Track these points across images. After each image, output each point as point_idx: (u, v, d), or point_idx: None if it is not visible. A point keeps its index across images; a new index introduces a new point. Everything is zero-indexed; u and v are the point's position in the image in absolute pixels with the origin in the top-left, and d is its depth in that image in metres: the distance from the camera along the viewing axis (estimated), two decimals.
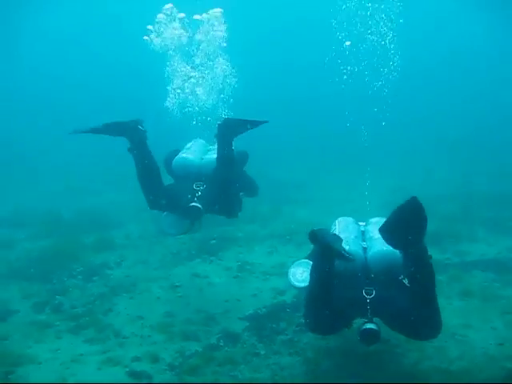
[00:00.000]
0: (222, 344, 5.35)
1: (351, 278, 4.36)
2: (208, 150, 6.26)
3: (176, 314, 6.08)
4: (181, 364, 5.00)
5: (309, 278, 4.41)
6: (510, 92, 20.19)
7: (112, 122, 5.49)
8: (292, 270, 4.88)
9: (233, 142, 5.67)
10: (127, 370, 4.89)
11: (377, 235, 4.43)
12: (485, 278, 6.64)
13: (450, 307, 5.80)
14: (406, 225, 3.81)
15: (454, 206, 10.15)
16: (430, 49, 22.70)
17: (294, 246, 8.63)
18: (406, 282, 4.19)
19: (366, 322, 4.15)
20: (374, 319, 4.20)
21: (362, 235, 4.91)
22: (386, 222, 3.95)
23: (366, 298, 4.17)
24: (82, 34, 23.65)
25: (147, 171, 5.59)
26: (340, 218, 5.13)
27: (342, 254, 4.14)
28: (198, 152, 6.09)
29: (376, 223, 4.82)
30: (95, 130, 5.47)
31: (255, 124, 5.60)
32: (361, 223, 5.18)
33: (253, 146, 6.70)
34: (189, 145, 6.27)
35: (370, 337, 4.14)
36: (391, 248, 4.15)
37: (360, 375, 4.58)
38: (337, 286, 4.24)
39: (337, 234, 4.61)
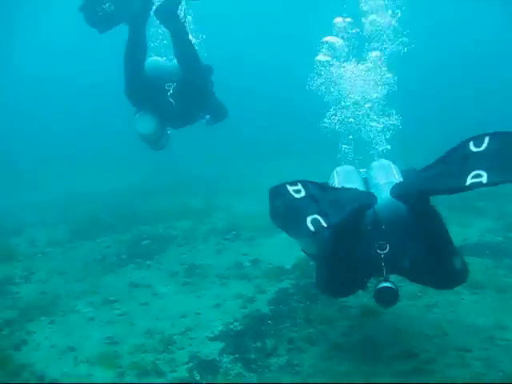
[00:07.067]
0: (197, 377, 3.88)
1: (361, 233, 3.71)
2: None
3: (121, 340, 4.52)
4: None
5: None
6: None
7: None
8: None
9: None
10: None
11: (383, 181, 4.05)
12: (484, 264, 5.72)
13: (463, 303, 4.80)
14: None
15: None
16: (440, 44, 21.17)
17: (244, 242, 7.36)
18: None
19: (382, 281, 3.59)
20: (391, 277, 3.64)
21: (365, 184, 4.24)
22: None
23: (380, 254, 3.60)
24: None
25: (137, 47, 5.45)
26: (338, 168, 4.44)
27: None
28: (168, 60, 5.95)
29: (379, 168, 4.30)
30: None
31: None
32: (361, 170, 4.53)
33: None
34: None
35: (386, 296, 3.58)
36: None
37: None
38: (347, 246, 3.66)
39: (337, 186, 4.08)
